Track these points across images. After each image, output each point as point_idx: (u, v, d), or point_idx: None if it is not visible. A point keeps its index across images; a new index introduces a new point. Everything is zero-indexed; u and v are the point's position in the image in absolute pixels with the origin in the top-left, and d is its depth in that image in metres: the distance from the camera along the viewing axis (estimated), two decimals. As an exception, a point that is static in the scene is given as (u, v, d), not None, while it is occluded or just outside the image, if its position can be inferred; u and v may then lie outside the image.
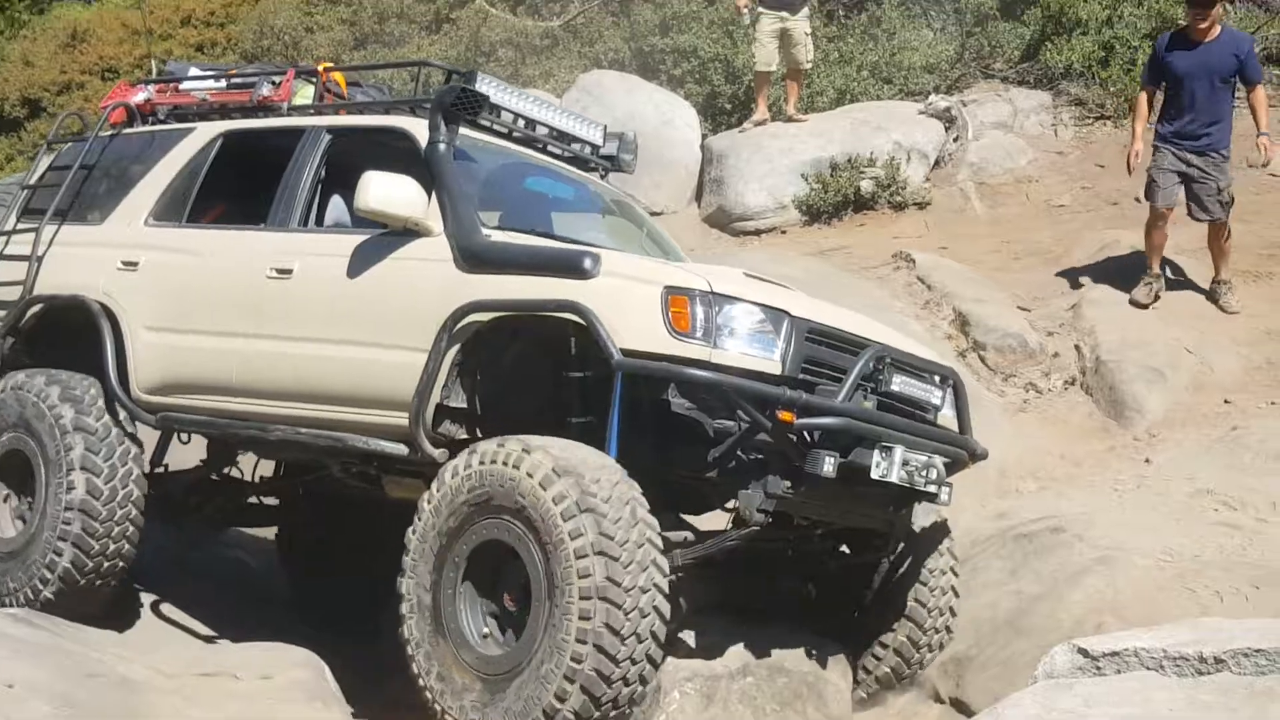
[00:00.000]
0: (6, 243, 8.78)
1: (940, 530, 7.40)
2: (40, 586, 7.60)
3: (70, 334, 8.17)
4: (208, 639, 8.27)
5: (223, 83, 8.68)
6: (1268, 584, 7.40)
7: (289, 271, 7.36)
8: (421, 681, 6.20)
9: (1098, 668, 4.00)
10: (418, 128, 7.36)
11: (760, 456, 6.38)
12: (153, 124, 8.78)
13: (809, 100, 15.27)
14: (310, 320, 7.28)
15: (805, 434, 6.22)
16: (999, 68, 16.01)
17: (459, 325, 6.56)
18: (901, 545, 7.31)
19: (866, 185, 13.70)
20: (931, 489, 6.55)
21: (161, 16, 22.69)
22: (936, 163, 14.60)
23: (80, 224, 8.54)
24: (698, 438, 6.38)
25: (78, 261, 8.27)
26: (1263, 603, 7.11)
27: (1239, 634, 3.98)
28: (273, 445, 7.84)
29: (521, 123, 8.01)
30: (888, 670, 7.38)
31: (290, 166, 7.79)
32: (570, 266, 6.42)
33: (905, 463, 6.34)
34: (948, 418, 7.06)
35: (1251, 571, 7.58)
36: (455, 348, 6.61)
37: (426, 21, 18.92)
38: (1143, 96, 11.42)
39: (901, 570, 7.36)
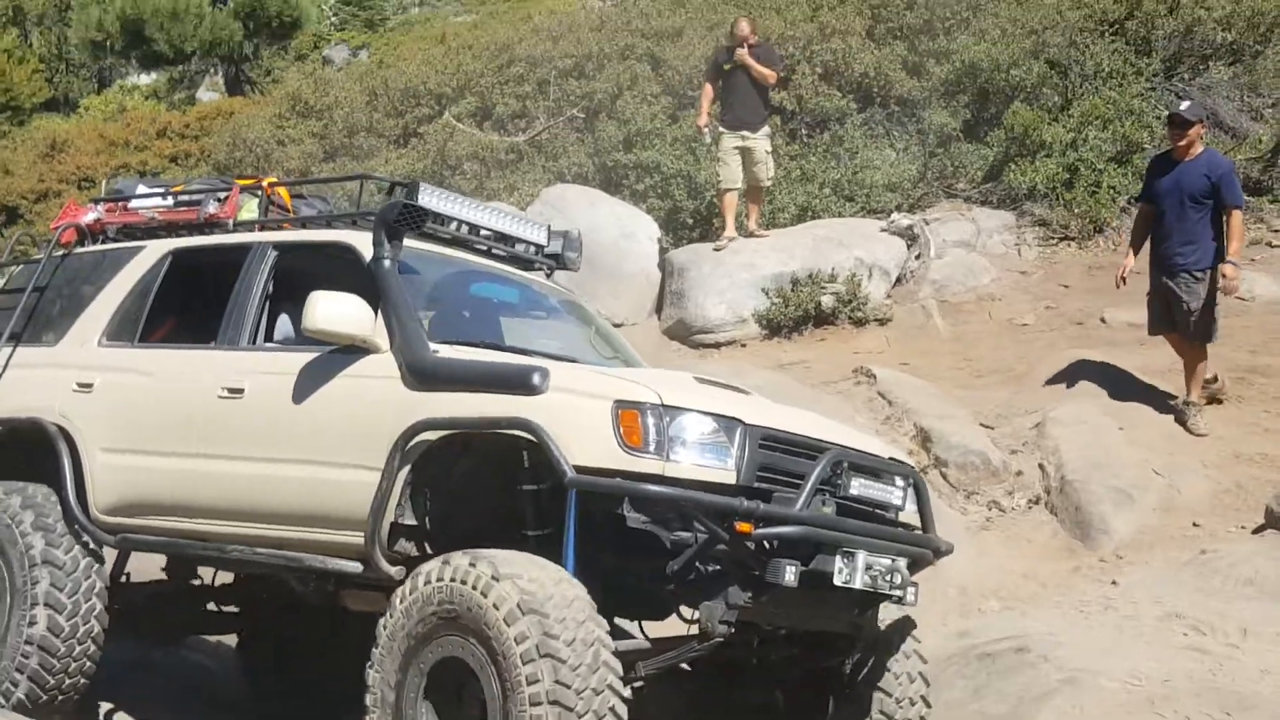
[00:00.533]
0: None
1: (906, 628, 7.24)
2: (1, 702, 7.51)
3: (33, 449, 7.97)
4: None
5: (169, 200, 8.57)
6: (1238, 710, 7.37)
7: (240, 391, 7.24)
8: None
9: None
10: (361, 241, 7.31)
11: (719, 567, 6.24)
12: (103, 242, 8.72)
13: (771, 216, 15.29)
14: (262, 439, 7.15)
15: (765, 543, 6.12)
16: (962, 187, 16.00)
17: (410, 444, 6.45)
18: (867, 648, 7.15)
19: (827, 300, 13.66)
20: (896, 592, 6.45)
21: (138, 129, 22.96)
22: (898, 279, 14.55)
23: (36, 345, 8.44)
24: (655, 551, 6.19)
25: (34, 383, 8.21)
26: (1236, 732, 6.99)
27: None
28: (231, 563, 7.74)
29: (464, 228, 7.97)
30: None
31: (238, 283, 7.69)
32: (519, 383, 6.31)
33: (868, 567, 6.25)
34: (910, 514, 6.91)
35: (1221, 698, 7.53)
36: (407, 466, 6.49)
37: (395, 135, 18.90)
38: (1139, 213, 11.64)
39: (868, 672, 7.20)
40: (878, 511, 6.73)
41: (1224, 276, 10.70)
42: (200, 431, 7.38)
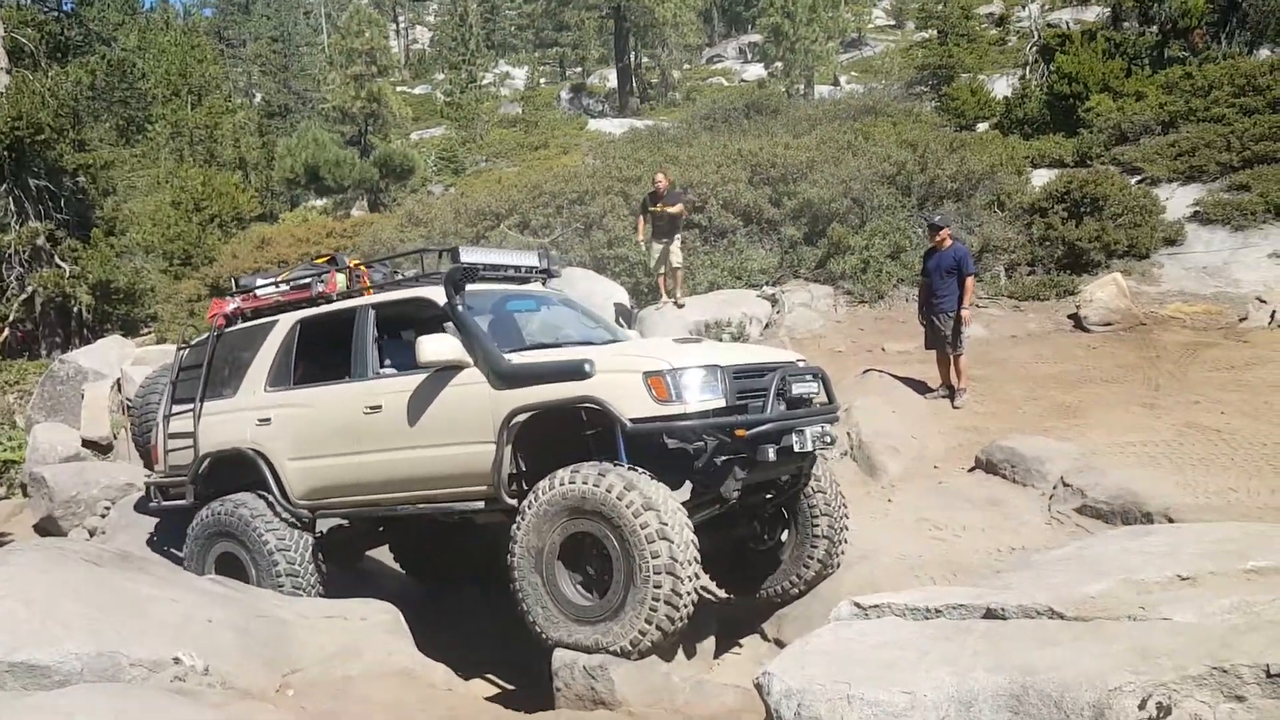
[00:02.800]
0: (168, 423, 8.41)
1: (826, 471, 7.43)
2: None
3: (237, 468, 7.83)
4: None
5: (285, 286, 8.17)
6: (961, 572, 7.46)
7: (379, 407, 7.05)
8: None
9: (866, 615, 3.91)
10: (434, 293, 7.09)
11: (726, 458, 6.26)
12: (243, 323, 8.32)
13: (693, 288, 15.29)
14: (401, 435, 6.93)
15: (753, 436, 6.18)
16: (804, 271, 16.04)
17: (511, 423, 6.39)
18: (809, 484, 7.26)
19: (726, 338, 13.63)
20: (829, 444, 6.65)
21: (315, 231, 22.82)
22: (766, 325, 14.56)
23: (218, 399, 8.09)
24: (682, 459, 6.21)
25: (224, 425, 7.93)
26: (958, 582, 7.04)
27: (945, 596, 3.92)
28: (398, 516, 7.43)
29: (491, 269, 7.78)
30: (815, 571, 7.35)
31: (354, 336, 7.42)
32: (576, 372, 6.22)
33: (814, 436, 6.40)
34: (822, 396, 6.99)
35: (951, 566, 7.69)
36: (510, 436, 6.41)
37: (470, 237, 18.88)
38: (920, 284, 11.90)
39: (812, 500, 7.33)
40: (806, 398, 6.79)
41: (963, 315, 11.13)
42: (356, 437, 7.16)
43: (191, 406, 8.16)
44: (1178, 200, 16.87)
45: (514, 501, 6.47)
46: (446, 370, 6.71)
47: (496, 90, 51.03)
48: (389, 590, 8.84)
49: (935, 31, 39.25)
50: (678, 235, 14.31)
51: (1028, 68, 27.71)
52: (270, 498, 7.58)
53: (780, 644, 6.64)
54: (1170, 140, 18.23)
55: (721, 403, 6.15)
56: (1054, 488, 8.92)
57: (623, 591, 5.89)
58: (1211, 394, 11.01)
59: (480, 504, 6.69)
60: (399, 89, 42.69)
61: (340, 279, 7.87)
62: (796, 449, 6.31)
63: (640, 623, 5.88)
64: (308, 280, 7.99)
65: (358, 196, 31.39)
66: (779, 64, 39.86)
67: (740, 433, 6.11)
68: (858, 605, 3.91)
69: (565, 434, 6.48)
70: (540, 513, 6.14)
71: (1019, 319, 14.44)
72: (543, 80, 54.35)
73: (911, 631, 3.56)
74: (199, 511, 7.89)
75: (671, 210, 14.01)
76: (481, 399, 6.56)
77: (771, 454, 6.21)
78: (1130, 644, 3.17)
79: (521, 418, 6.38)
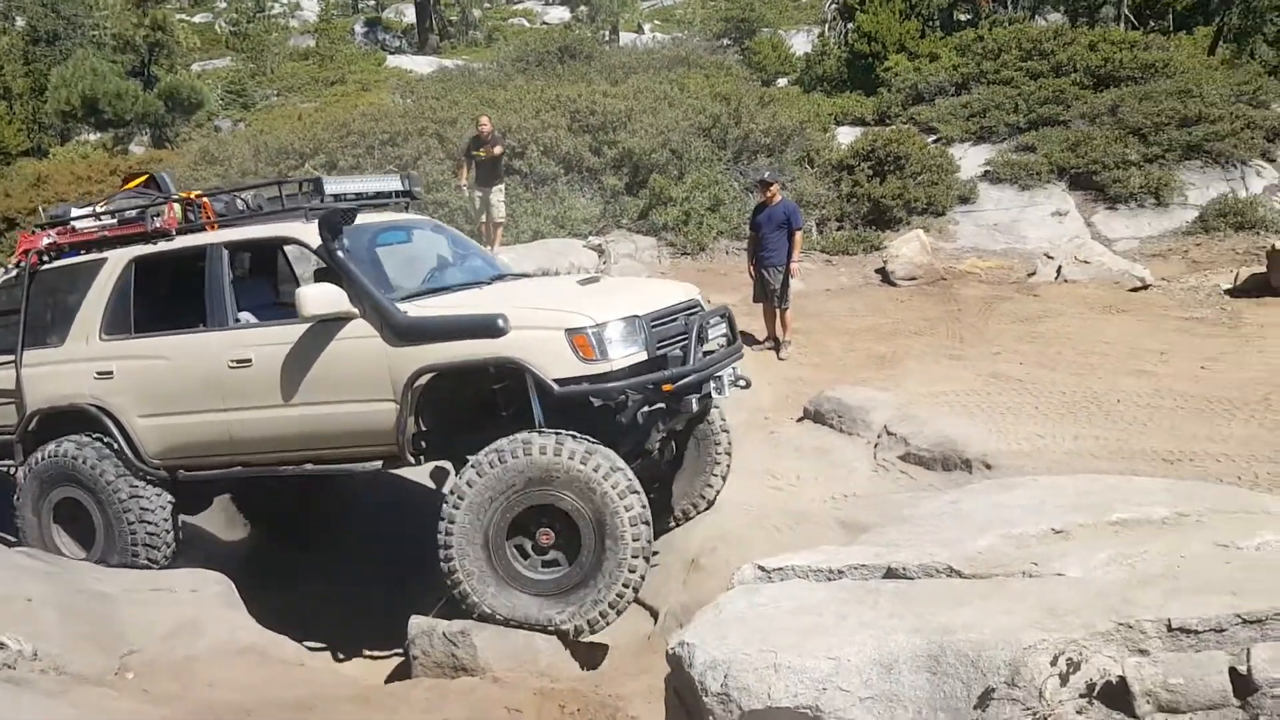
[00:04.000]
0: None
1: (718, 411, 7.34)
2: None
3: (78, 422, 7.10)
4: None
5: (109, 219, 7.21)
6: (803, 521, 7.59)
7: (247, 361, 6.44)
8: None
9: (769, 578, 3.91)
10: (303, 233, 6.50)
11: (649, 410, 6.12)
12: (55, 260, 7.37)
13: (515, 236, 14.99)
14: (279, 391, 6.36)
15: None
16: (626, 222, 16.02)
17: (415, 383, 5.98)
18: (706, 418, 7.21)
19: None
20: (742, 383, 6.63)
21: (98, 169, 21.12)
22: (592, 275, 14.38)
23: (41, 348, 7.24)
24: (607, 412, 6.07)
25: (55, 378, 7.14)
26: (801, 531, 7.23)
27: (845, 556, 3.96)
28: (275, 475, 6.87)
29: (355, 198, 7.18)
30: (718, 487, 7.46)
31: (209, 278, 6.70)
32: (487, 328, 5.83)
33: (730, 381, 6.33)
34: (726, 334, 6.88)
35: (791, 514, 7.78)
36: (413, 396, 6.00)
37: (272, 179, 17.73)
38: (750, 237, 11.90)
39: (712, 422, 7.34)
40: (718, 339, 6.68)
41: (793, 269, 11.34)
42: (220, 393, 6.53)
43: (8, 358, 7.32)
44: (970, 160, 17.80)
45: (416, 461, 6.18)
46: (329, 322, 6.18)
47: (286, 21, 48.28)
48: (208, 554, 8.40)
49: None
50: (500, 184, 13.99)
51: (827, 25, 28.45)
52: (119, 450, 6.91)
53: (643, 604, 6.60)
54: (963, 101, 19.17)
55: (644, 355, 5.98)
56: (878, 436, 9.20)
57: (595, 557, 5.68)
58: (1009, 345, 11.71)
59: (378, 464, 6.28)
60: (178, 16, 39.78)
61: (177, 211, 7.01)
62: (715, 395, 6.21)
63: (618, 586, 5.72)
64: (138, 213, 7.07)
65: (138, 132, 29.17)
66: (584, 8, 39.43)
67: (668, 387, 5.96)
68: (761, 568, 3.89)
69: (466, 389, 6.17)
70: (485, 488, 5.78)
71: (831, 273, 14.92)
72: (335, 13, 51.78)
73: (823, 595, 3.58)
74: (33, 455, 7.19)
75: (495, 152, 13.66)
76: (375, 354, 6.10)
77: (695, 404, 6.12)
78: (1036, 601, 3.28)
79: (426, 378, 5.99)
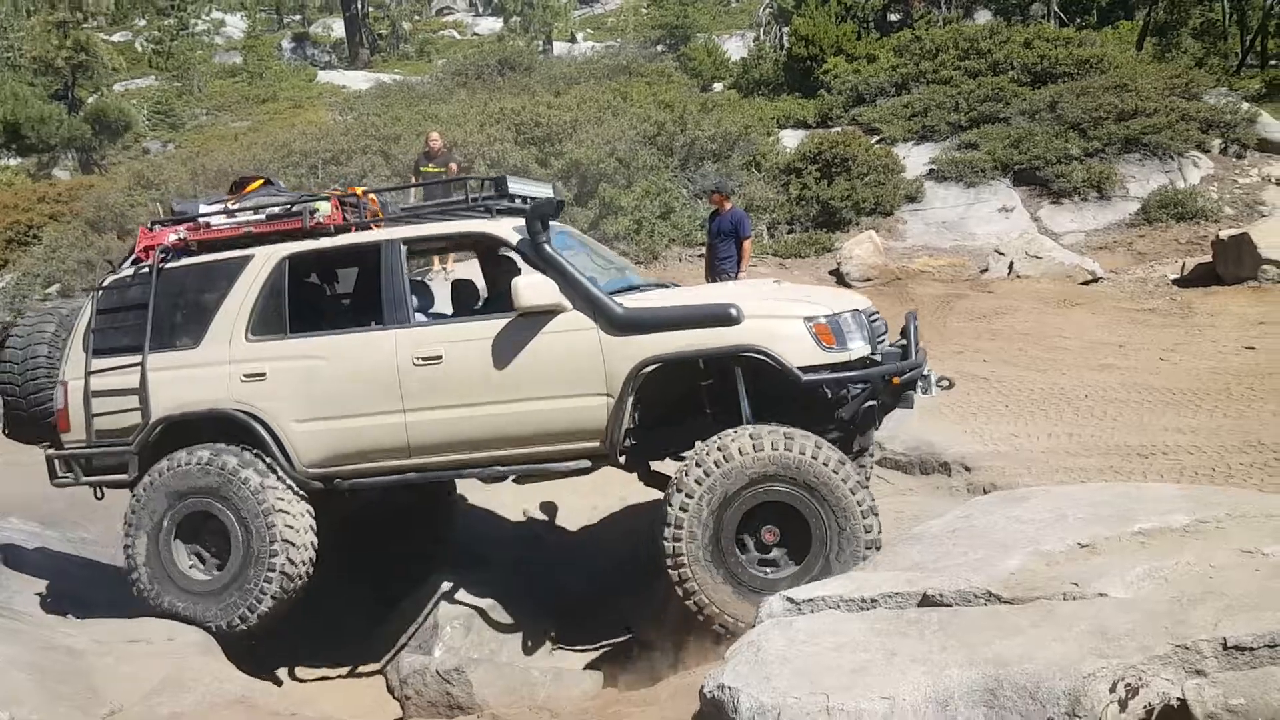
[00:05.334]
0: (88, 380, 6.52)
1: None
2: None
3: (191, 436, 6.38)
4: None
5: (261, 215, 6.52)
6: None
7: (437, 357, 5.97)
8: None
9: (799, 609, 3.78)
10: (500, 229, 6.12)
11: (873, 404, 5.92)
12: (187, 258, 6.59)
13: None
14: (476, 389, 5.92)
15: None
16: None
17: (640, 373, 5.67)
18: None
19: None
20: (945, 384, 6.19)
21: (25, 196, 20.43)
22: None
23: (170, 350, 6.43)
24: (827, 405, 5.86)
25: (189, 382, 6.34)
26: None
27: (875, 584, 3.84)
28: (451, 477, 6.50)
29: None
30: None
31: (386, 274, 6.18)
32: (720, 317, 5.59)
33: (935, 380, 6.04)
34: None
35: None
36: (634, 390, 5.69)
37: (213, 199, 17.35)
38: (707, 245, 11.63)
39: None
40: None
41: (740, 278, 11.16)
42: (401, 392, 6.02)
43: (124, 359, 6.50)
44: (915, 159, 17.92)
45: (623, 461, 5.93)
46: (534, 316, 5.83)
47: (210, 38, 47.25)
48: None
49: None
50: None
51: (762, 29, 28.54)
52: (274, 458, 6.23)
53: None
54: (904, 101, 19.31)
55: (867, 349, 5.79)
56: (853, 442, 9.12)
57: (827, 554, 5.41)
58: (971, 343, 11.75)
59: (586, 463, 5.96)
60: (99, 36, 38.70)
61: (323, 208, 6.42)
62: (921, 394, 5.98)
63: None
64: (298, 210, 6.49)
65: (63, 156, 28.34)
66: (516, 18, 39.18)
67: (895, 380, 5.77)
68: (790, 600, 3.77)
69: (671, 386, 5.87)
70: (714, 486, 5.50)
71: (786, 276, 14.86)
72: (261, 29, 50.84)
73: (861, 627, 3.46)
74: (155, 467, 6.36)
75: (453, 169, 13.39)
76: (588, 347, 5.79)
77: (915, 401, 5.94)
78: (1088, 626, 3.20)
79: (651, 369, 5.68)
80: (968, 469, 8.25)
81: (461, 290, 7.35)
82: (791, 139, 19.09)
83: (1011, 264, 14.42)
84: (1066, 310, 12.72)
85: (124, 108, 26.54)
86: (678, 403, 5.99)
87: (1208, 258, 13.65)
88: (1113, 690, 3.02)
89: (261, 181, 7.22)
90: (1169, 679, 3.03)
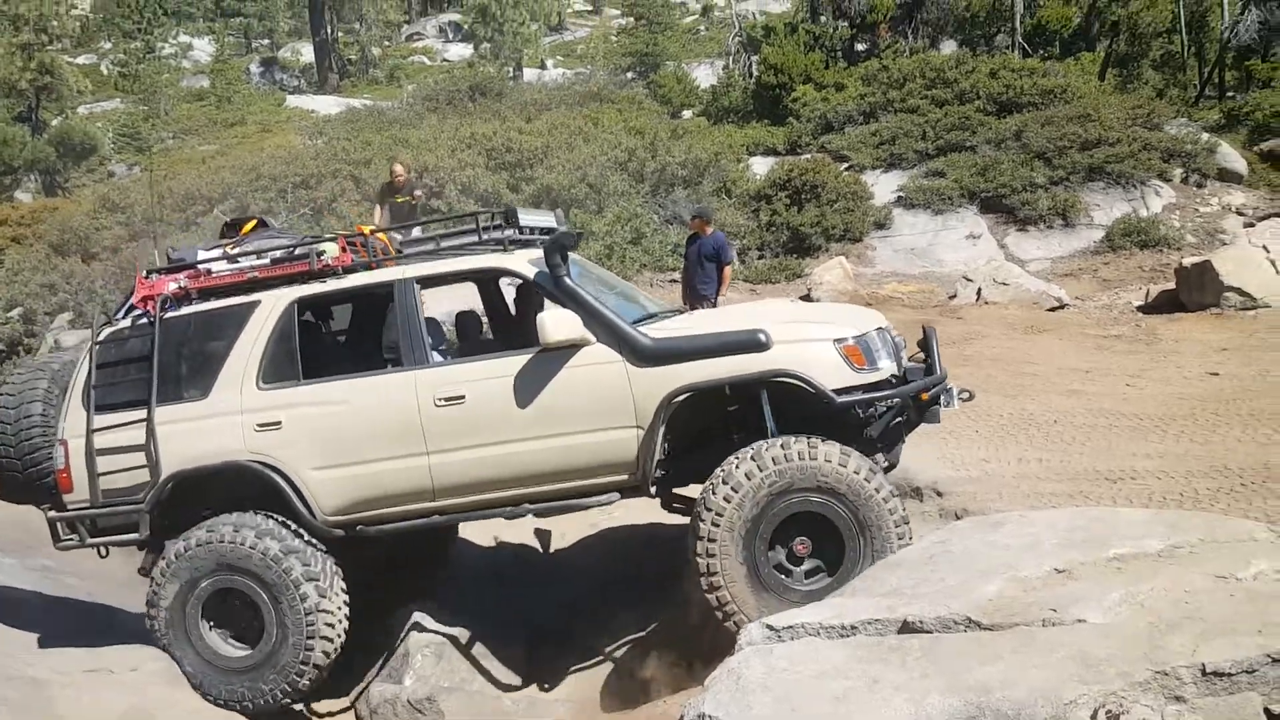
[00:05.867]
0: (91, 438, 6.24)
1: None
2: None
3: (202, 491, 6.23)
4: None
5: (265, 259, 6.33)
6: None
7: (459, 398, 5.84)
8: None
9: (779, 636, 3.76)
10: (516, 262, 6.05)
11: (901, 419, 5.92)
12: (178, 308, 6.39)
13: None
14: (501, 428, 5.81)
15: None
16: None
17: (672, 403, 5.62)
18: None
19: None
20: (965, 396, 6.27)
21: (-16, 218, 20.12)
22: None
23: (176, 403, 6.20)
24: (855, 423, 5.84)
25: (199, 435, 6.12)
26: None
27: (855, 610, 3.83)
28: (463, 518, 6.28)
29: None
30: None
31: (401, 314, 6.06)
32: (750, 345, 5.58)
33: (956, 393, 6.09)
34: None
35: None
36: (664, 420, 5.62)
37: (180, 223, 17.24)
38: (684, 269, 11.59)
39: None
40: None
41: (718, 304, 11.19)
42: (422, 434, 5.88)
43: (129, 415, 6.25)
44: (883, 186, 18.08)
45: (654, 491, 5.87)
46: (557, 351, 5.74)
47: (178, 62, 47.03)
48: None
49: (635, 19, 40.06)
50: (417, 228, 13.58)
51: (731, 58, 28.77)
52: (285, 520, 6.07)
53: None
54: (872, 129, 19.49)
55: (895, 367, 5.81)
56: (825, 467, 9.11)
57: (862, 564, 5.35)
58: (941, 369, 11.79)
59: (615, 495, 5.88)
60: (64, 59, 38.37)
61: (330, 249, 6.26)
62: (952, 406, 6.02)
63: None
64: (298, 252, 6.29)
65: (23, 179, 28.01)
66: (487, 45, 39.29)
67: (924, 396, 5.77)
68: (769, 627, 3.74)
69: (698, 414, 5.83)
70: (746, 499, 5.45)
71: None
72: (229, 53, 50.66)
73: (842, 655, 3.43)
74: (173, 544, 6.16)
75: (417, 196, 13.36)
76: (615, 380, 5.72)
77: (941, 416, 5.93)
78: (1068, 652, 3.20)
79: (682, 398, 5.64)
80: (940, 494, 8.25)
81: (465, 322, 7.32)
82: (761, 166, 19.22)
83: (979, 290, 14.55)
84: (1034, 336, 12.82)
85: (89, 130, 26.36)
86: (701, 428, 5.94)
87: (1171, 285, 13.83)
88: (1094, 717, 3.01)
89: (255, 222, 7.08)
90: (1149, 705, 3.03)
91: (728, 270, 11.29)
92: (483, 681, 6.31)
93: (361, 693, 6.28)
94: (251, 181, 17.29)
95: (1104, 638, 3.27)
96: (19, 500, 6.85)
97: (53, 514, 6.41)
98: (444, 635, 6.53)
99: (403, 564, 7.43)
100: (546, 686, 6.41)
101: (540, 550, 7.88)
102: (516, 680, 6.37)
